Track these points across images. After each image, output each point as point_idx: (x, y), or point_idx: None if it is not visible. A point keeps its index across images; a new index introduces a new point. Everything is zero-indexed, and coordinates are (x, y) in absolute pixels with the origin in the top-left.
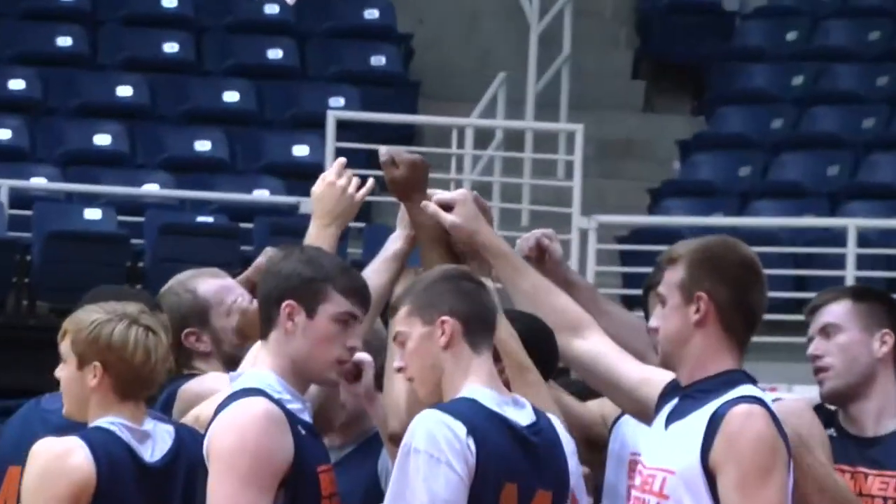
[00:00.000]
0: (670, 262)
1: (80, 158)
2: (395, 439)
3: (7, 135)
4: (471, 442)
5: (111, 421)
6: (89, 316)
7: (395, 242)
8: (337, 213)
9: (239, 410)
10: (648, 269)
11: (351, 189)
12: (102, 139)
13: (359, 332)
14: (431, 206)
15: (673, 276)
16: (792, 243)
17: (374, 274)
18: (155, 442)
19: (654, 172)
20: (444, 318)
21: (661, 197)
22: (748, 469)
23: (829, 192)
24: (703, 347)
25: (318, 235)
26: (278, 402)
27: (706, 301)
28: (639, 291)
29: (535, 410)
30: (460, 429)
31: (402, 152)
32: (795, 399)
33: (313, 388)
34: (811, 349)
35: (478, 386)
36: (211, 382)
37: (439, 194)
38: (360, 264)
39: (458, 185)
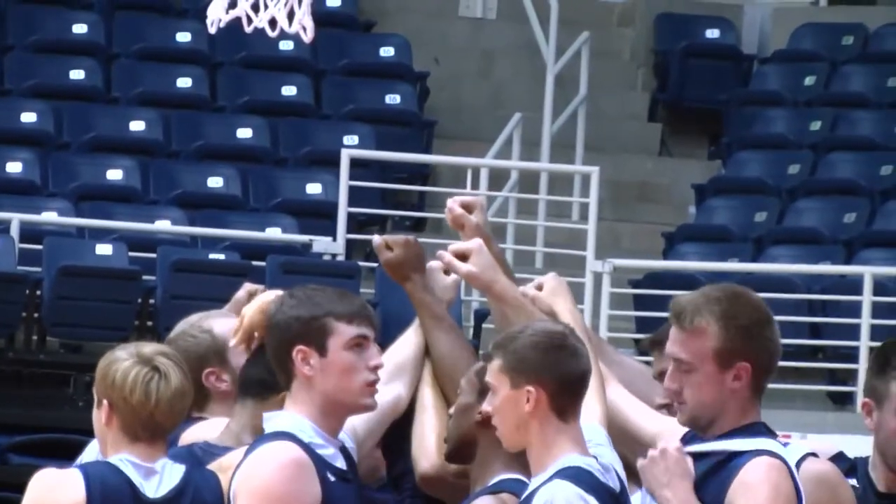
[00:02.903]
0: (689, 325)
1: (92, 193)
2: (427, 480)
3: (18, 168)
4: None
5: (119, 458)
6: (114, 355)
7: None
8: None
9: (269, 454)
10: (662, 314)
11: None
12: (115, 174)
13: (376, 350)
14: (447, 257)
15: (702, 344)
16: (807, 290)
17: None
18: (162, 479)
19: (670, 216)
20: (530, 388)
21: (676, 241)
22: None
23: (845, 239)
24: (734, 408)
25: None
26: (308, 447)
27: (747, 369)
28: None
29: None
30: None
31: (395, 235)
32: (823, 463)
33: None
34: None
35: (577, 455)
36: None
37: (454, 245)
38: (374, 304)
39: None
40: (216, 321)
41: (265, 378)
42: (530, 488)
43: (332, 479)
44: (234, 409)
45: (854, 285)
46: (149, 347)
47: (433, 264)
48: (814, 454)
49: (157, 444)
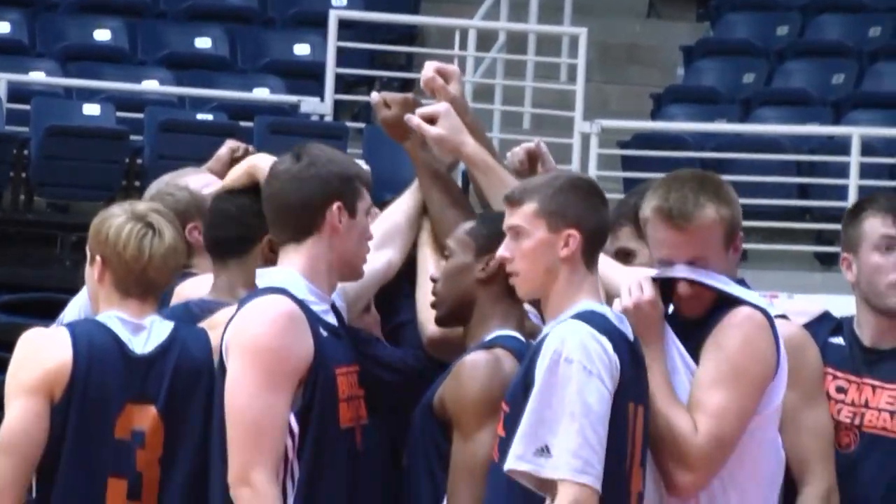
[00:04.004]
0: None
1: (79, 54)
2: (434, 343)
3: (6, 28)
4: (616, 359)
5: (108, 315)
6: (108, 212)
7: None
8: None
9: (261, 308)
10: (650, 175)
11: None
12: (102, 34)
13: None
14: (415, 120)
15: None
16: (795, 151)
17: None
18: (150, 335)
19: (658, 78)
20: (571, 231)
21: (664, 103)
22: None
23: (833, 100)
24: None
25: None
26: (301, 302)
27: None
28: None
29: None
30: (608, 344)
31: (393, 93)
32: (790, 325)
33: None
34: None
35: (593, 301)
36: (204, 285)
37: (422, 108)
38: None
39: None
40: (190, 178)
41: (244, 235)
42: (544, 332)
43: (325, 334)
44: (214, 269)
45: (842, 146)
46: (142, 205)
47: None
48: (783, 316)
49: (147, 300)
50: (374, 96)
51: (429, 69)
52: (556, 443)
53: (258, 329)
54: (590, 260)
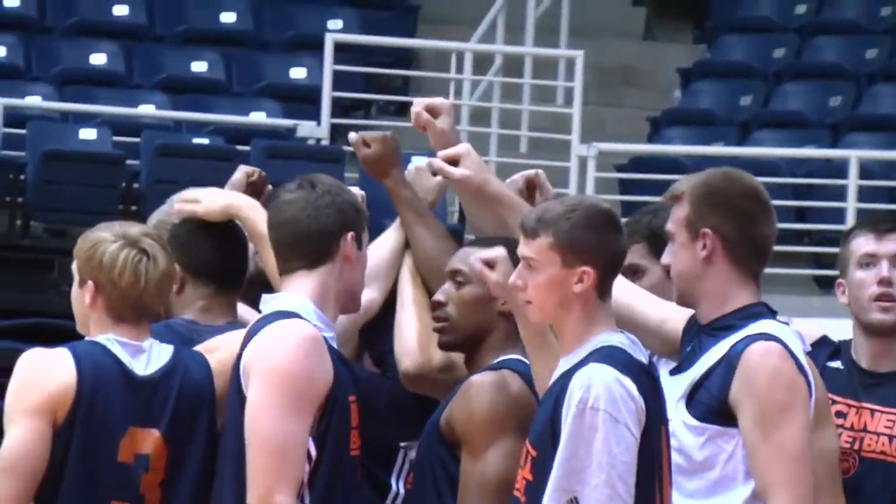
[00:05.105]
0: (675, 199)
1: (75, 78)
2: (410, 378)
3: (2, 52)
4: (641, 401)
5: (106, 337)
6: (96, 235)
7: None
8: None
9: (284, 331)
10: (648, 198)
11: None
12: (98, 58)
13: None
14: (438, 163)
15: (678, 213)
16: (793, 174)
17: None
18: (150, 358)
19: (655, 101)
20: (586, 268)
21: (662, 125)
22: (766, 407)
23: (831, 122)
24: (715, 283)
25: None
26: (315, 328)
27: (712, 237)
28: None
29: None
30: (632, 387)
31: (372, 132)
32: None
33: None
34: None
35: (610, 333)
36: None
37: (443, 151)
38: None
39: (457, 109)
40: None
41: (237, 267)
42: (562, 368)
43: (337, 359)
44: (187, 292)
45: (839, 169)
46: (134, 228)
47: (418, 164)
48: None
49: (142, 325)
50: (353, 136)
51: (417, 105)
52: (586, 493)
53: (283, 353)
54: (604, 291)
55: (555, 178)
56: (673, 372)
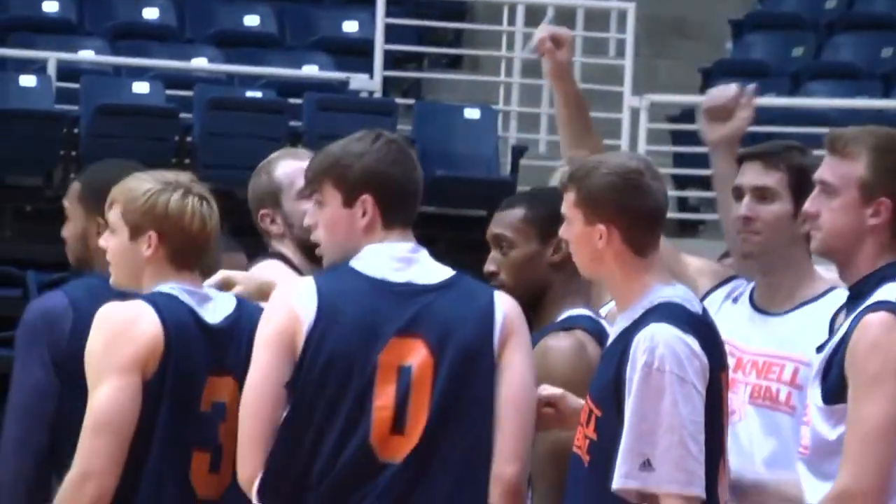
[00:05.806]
0: (842, 150)
1: (128, 32)
2: None
3: (55, 7)
4: (704, 357)
5: (171, 286)
6: (142, 185)
7: None
8: None
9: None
10: (699, 149)
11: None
12: (151, 13)
13: None
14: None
15: (847, 170)
16: (845, 125)
17: None
18: (216, 305)
19: (707, 52)
20: (604, 227)
21: (713, 76)
22: (858, 380)
23: (882, 73)
24: (873, 250)
25: None
26: None
27: (888, 207)
28: (689, 171)
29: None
30: (696, 345)
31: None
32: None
33: None
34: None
35: (663, 286)
36: (266, 272)
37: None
38: (412, 140)
39: (509, 61)
40: (281, 162)
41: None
42: (619, 326)
43: None
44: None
45: (892, 119)
46: (182, 176)
47: None
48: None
49: (196, 272)
50: (542, 32)
51: (543, 31)
52: (658, 455)
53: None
54: (640, 246)
55: (607, 131)
56: (818, 349)
